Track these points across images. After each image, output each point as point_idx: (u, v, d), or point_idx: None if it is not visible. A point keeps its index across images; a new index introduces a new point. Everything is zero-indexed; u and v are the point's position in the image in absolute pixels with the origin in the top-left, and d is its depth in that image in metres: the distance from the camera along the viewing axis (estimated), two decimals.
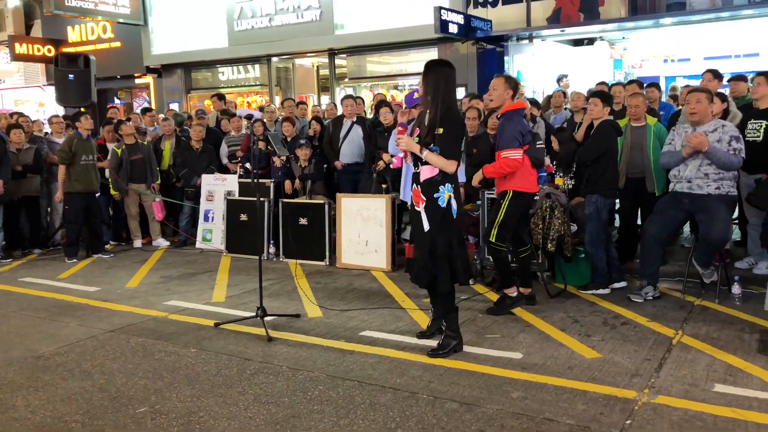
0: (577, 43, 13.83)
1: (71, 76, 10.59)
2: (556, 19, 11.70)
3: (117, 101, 17.55)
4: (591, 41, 13.77)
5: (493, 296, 6.00)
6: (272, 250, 8.10)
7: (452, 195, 4.38)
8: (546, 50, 12.88)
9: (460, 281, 4.52)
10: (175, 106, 15.62)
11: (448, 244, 4.39)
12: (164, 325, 5.46)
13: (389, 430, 3.47)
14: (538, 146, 5.46)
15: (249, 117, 5.86)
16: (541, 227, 6.06)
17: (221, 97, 10.72)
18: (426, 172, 4.37)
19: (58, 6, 13.95)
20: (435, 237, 4.36)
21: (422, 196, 4.38)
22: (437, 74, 4.34)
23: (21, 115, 9.69)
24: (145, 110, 10.90)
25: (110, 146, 9.12)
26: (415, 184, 4.48)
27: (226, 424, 3.61)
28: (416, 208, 4.46)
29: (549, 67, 12.58)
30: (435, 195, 4.34)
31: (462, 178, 6.19)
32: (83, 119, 8.18)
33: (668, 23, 11.49)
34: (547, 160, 5.91)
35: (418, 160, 4.42)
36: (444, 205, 4.35)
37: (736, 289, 5.61)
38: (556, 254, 6.22)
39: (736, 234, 7.20)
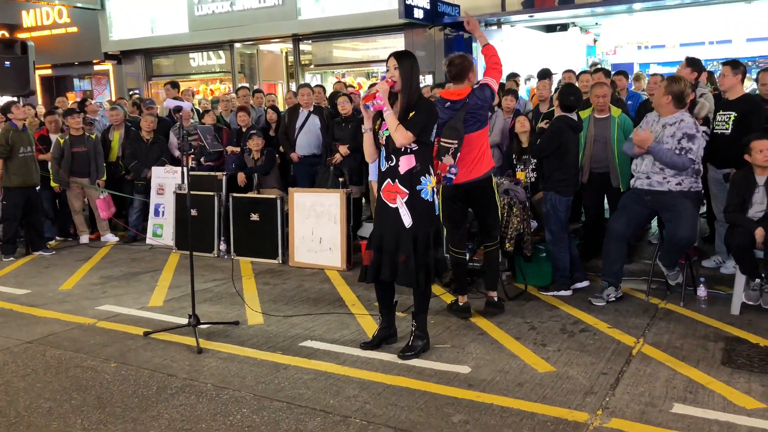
0: (550, 29, 13.44)
1: (7, 63, 9.96)
2: (531, 4, 11.29)
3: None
4: (564, 27, 13.39)
5: (449, 297, 5.65)
6: (223, 247, 7.66)
7: (434, 187, 4.15)
8: (517, 36, 12.47)
9: (439, 276, 4.66)
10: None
11: (431, 239, 4.17)
12: (89, 335, 5.02)
13: None
14: (441, 143, 4.69)
15: (178, 109, 5.38)
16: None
17: (174, 84, 10.17)
18: (404, 164, 4.07)
19: None
20: (418, 232, 4.09)
21: (403, 189, 4.08)
22: (411, 64, 4.12)
23: None
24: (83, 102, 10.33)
25: (53, 137, 8.61)
26: (389, 179, 4.13)
27: None
28: (391, 204, 4.13)
29: (520, 54, 12.18)
30: (418, 187, 4.08)
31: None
32: (14, 108, 7.61)
33: (639, 8, 11.17)
34: (450, 159, 5.01)
35: (394, 153, 4.09)
36: (428, 197, 4.10)
37: (701, 291, 5.30)
38: (515, 254, 5.88)
39: (704, 229, 6.90)
